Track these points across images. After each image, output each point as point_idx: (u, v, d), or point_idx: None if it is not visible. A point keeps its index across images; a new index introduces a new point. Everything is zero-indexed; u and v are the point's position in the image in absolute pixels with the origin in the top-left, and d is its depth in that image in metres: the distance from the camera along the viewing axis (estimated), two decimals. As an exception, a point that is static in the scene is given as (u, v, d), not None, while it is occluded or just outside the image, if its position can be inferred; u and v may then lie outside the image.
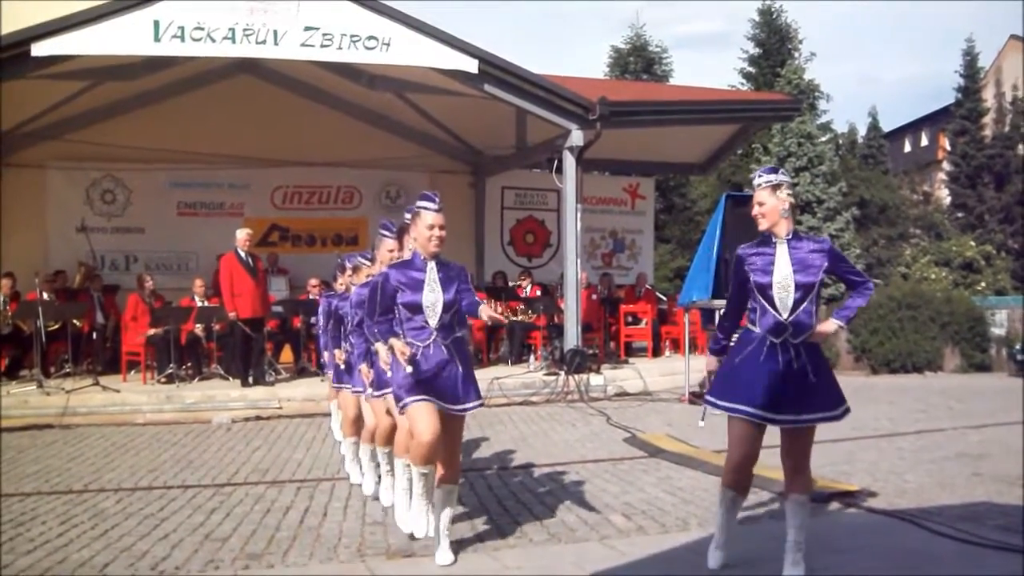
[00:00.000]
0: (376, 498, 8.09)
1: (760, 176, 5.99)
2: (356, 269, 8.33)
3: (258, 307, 14.94)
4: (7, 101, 16.41)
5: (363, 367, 7.65)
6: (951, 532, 6.66)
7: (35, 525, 7.48)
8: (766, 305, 5.79)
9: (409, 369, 6.15)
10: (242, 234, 14.94)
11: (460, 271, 6.54)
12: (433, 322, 6.30)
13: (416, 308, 6.30)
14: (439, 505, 6.39)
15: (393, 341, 6.25)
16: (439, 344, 6.31)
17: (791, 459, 5.88)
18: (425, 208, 6.33)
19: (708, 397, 5.99)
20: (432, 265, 6.37)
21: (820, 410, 5.80)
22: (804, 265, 5.79)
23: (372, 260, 7.88)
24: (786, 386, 5.71)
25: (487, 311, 6.50)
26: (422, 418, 6.25)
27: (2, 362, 15.54)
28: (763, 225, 5.90)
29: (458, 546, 6.55)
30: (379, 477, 8.20)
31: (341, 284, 9.35)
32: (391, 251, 7.22)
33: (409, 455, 6.63)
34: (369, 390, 7.64)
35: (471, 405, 6.40)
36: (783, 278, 5.78)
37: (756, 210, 5.90)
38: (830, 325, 6.01)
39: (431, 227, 6.31)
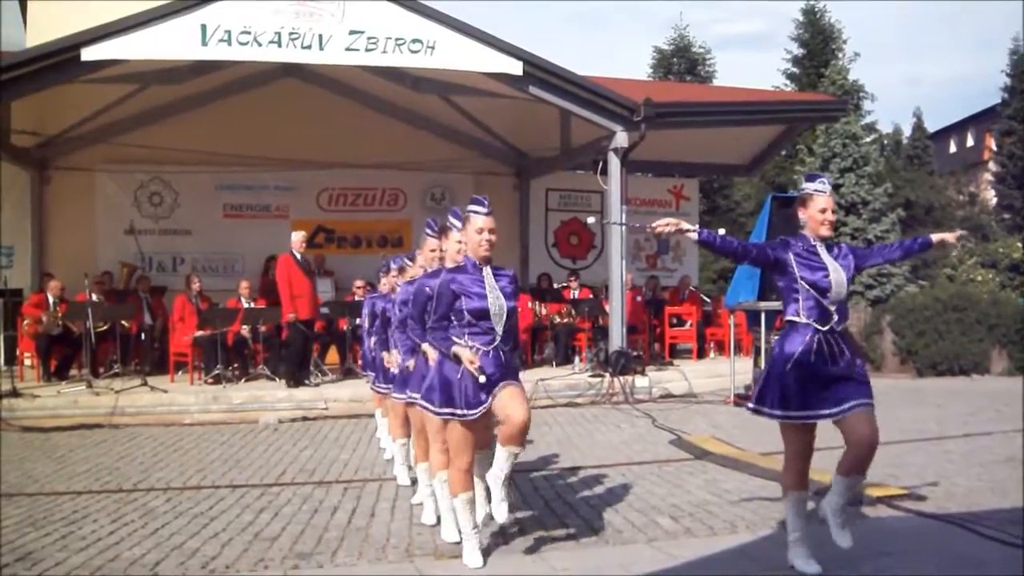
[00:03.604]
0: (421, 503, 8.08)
1: (825, 183, 6.17)
2: (402, 270, 8.36)
3: (314, 309, 15.12)
4: (57, 105, 16.67)
5: (410, 364, 7.49)
6: (1001, 536, 6.61)
7: (87, 523, 7.56)
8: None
9: (483, 379, 6.13)
10: (298, 236, 15.04)
11: (516, 281, 6.54)
12: (499, 328, 6.28)
13: (483, 314, 6.26)
14: (499, 464, 6.34)
15: (460, 350, 6.21)
16: (499, 350, 6.29)
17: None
18: (474, 212, 6.33)
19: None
20: (488, 271, 6.37)
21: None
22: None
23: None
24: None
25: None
26: (466, 444, 6.32)
27: (52, 362, 15.71)
28: (830, 231, 6.16)
29: (505, 547, 6.58)
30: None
31: (385, 285, 9.39)
32: (433, 251, 7.19)
33: (448, 485, 6.59)
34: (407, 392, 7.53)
35: (517, 382, 6.36)
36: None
37: (829, 216, 6.13)
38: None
39: (480, 231, 6.30)
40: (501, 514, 6.38)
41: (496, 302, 6.28)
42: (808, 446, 6.06)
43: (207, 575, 6.26)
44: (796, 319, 6.03)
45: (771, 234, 14.06)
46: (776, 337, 6.19)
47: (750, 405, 6.17)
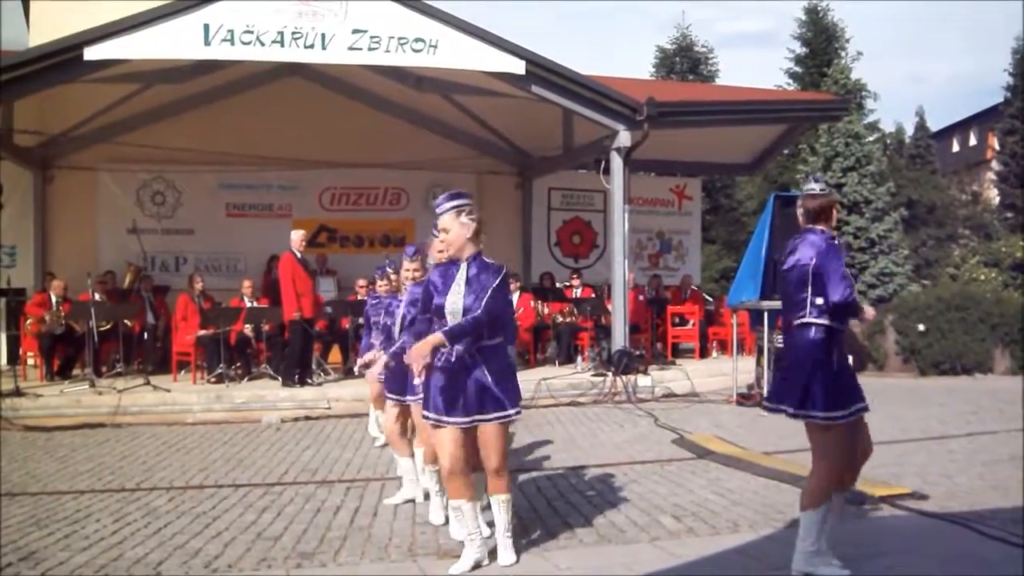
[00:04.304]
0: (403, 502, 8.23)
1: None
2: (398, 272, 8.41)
3: (315, 307, 15.16)
4: (60, 104, 16.67)
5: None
6: (1003, 535, 6.61)
7: (90, 523, 7.57)
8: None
9: (416, 382, 6.21)
10: (297, 235, 15.01)
11: (492, 272, 6.31)
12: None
13: (440, 312, 6.22)
14: (497, 517, 6.35)
15: (418, 345, 6.22)
16: (461, 353, 6.18)
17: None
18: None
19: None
20: (464, 266, 6.30)
21: None
22: None
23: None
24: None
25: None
26: (444, 447, 6.25)
27: (55, 362, 15.73)
28: None
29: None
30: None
31: (383, 287, 9.37)
32: (440, 252, 7.15)
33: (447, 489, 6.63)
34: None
35: (495, 415, 6.20)
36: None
37: None
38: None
39: (439, 231, 6.41)
40: (508, 558, 6.31)
41: (452, 298, 6.22)
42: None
43: (210, 575, 6.27)
44: (822, 321, 5.90)
45: (774, 233, 14.06)
46: (795, 339, 5.96)
47: (821, 414, 5.81)
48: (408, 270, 7.75)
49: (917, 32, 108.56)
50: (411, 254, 7.75)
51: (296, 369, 14.83)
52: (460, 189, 6.59)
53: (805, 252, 5.97)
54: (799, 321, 5.95)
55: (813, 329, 5.89)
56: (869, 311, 6.28)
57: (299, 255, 14.93)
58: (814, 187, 6.18)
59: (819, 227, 6.09)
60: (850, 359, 6.09)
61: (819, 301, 5.87)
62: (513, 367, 6.58)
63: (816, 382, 5.79)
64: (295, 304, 14.65)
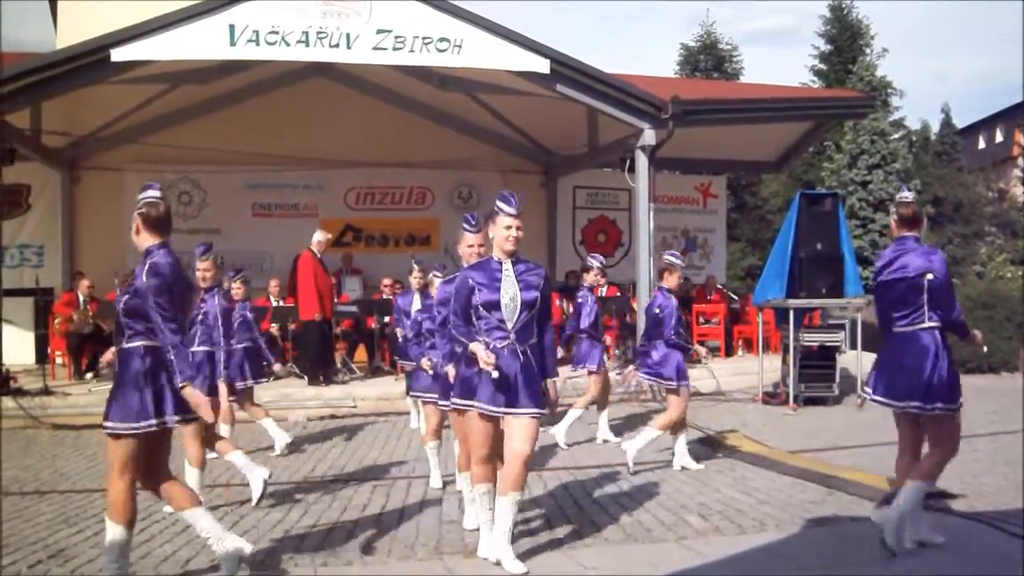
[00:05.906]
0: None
1: None
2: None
3: (332, 308, 15.17)
4: (87, 105, 16.76)
5: (449, 368, 7.22)
6: (1025, 534, 6.61)
7: (119, 521, 7.59)
8: None
9: (495, 374, 6.09)
10: (323, 237, 15.03)
11: (544, 276, 6.53)
12: (511, 322, 6.28)
13: (493, 306, 6.27)
14: (501, 515, 6.30)
15: (476, 347, 6.18)
16: (515, 348, 6.28)
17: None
18: (502, 211, 6.38)
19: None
20: (509, 264, 6.37)
21: None
22: None
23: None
24: None
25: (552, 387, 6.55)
26: (478, 430, 6.39)
27: (83, 360, 15.81)
28: None
29: (534, 545, 6.60)
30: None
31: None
32: (471, 246, 7.00)
33: (470, 473, 6.77)
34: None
35: (537, 410, 6.30)
36: None
37: None
38: None
39: (508, 227, 6.35)
40: (517, 567, 6.18)
41: (509, 292, 6.27)
42: None
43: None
44: (939, 325, 6.50)
45: (799, 232, 14.03)
46: (915, 340, 6.38)
47: (953, 405, 6.48)
48: (198, 270, 8.39)
49: (943, 28, 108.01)
50: (201, 253, 8.07)
51: (319, 368, 14.84)
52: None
53: (918, 262, 6.51)
54: (920, 326, 6.47)
55: (937, 333, 6.45)
56: (977, 335, 6.82)
57: (318, 254, 14.95)
58: (907, 195, 6.81)
59: (914, 233, 6.71)
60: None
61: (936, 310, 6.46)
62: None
63: (946, 377, 6.38)
64: (316, 305, 14.68)
